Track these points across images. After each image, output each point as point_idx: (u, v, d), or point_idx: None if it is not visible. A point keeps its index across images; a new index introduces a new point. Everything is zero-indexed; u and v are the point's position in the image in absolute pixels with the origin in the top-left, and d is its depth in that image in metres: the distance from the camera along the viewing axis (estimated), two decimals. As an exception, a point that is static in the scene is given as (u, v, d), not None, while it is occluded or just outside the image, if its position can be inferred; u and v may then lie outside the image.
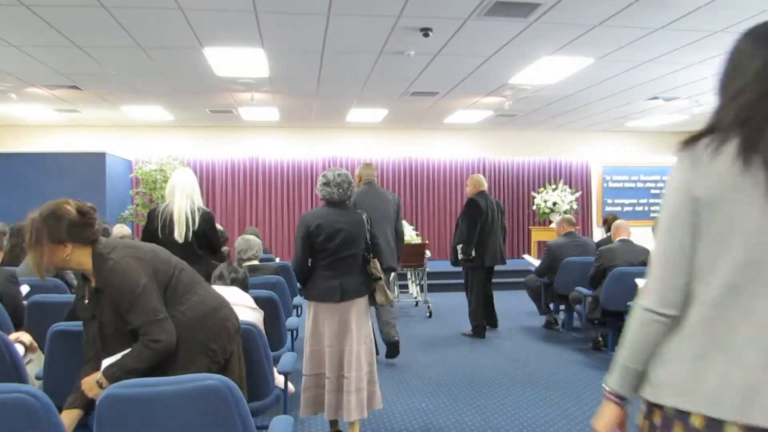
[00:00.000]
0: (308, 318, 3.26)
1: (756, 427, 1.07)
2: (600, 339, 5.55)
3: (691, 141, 1.20)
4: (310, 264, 3.26)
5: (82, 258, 2.14)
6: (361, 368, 3.17)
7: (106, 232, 5.53)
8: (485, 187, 6.19)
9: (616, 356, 1.35)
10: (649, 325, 1.24)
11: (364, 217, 3.29)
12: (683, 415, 1.16)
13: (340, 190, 3.19)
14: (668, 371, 1.21)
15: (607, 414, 1.40)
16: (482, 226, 5.92)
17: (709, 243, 1.16)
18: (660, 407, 1.22)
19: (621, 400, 1.37)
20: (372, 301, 3.32)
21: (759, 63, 1.16)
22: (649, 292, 1.25)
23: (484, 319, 6.09)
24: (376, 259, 3.28)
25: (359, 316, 3.21)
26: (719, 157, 1.14)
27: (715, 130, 1.18)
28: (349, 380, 3.12)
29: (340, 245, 3.16)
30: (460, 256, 6.02)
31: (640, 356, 1.27)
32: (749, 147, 1.11)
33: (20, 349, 2.92)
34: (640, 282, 4.69)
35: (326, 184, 3.19)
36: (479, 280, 6.04)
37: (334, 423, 3.31)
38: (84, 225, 2.14)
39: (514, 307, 7.48)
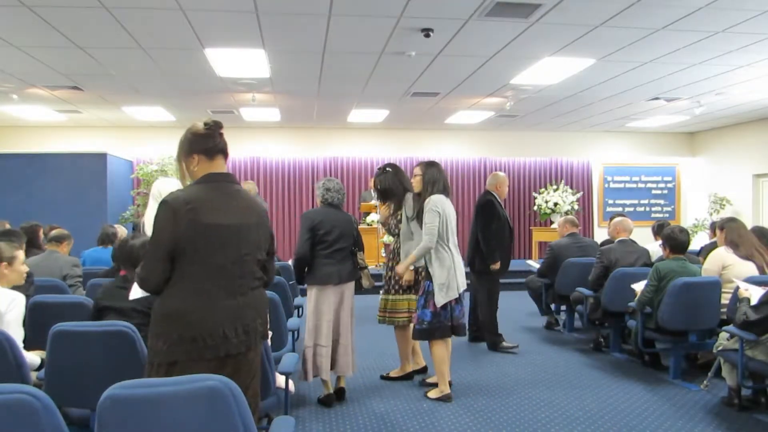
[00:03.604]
0: (310, 299, 4.00)
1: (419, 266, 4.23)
2: (601, 340, 5.55)
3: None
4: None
5: (199, 173, 2.26)
6: (350, 336, 4.08)
7: (113, 237, 5.54)
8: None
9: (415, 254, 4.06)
10: (424, 250, 4.02)
11: (352, 218, 4.21)
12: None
13: (339, 196, 4.05)
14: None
15: (406, 269, 4.18)
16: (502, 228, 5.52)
17: (444, 223, 4.04)
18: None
19: (414, 269, 4.25)
20: (359, 286, 4.19)
21: (436, 175, 4.17)
22: (431, 236, 3.95)
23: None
24: (361, 252, 4.18)
25: (349, 296, 4.10)
26: (442, 197, 4.12)
27: (420, 195, 4.17)
28: (344, 345, 4.02)
29: (336, 238, 3.95)
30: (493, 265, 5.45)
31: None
32: (444, 192, 4.15)
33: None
34: (636, 286, 4.69)
35: (328, 189, 4.04)
36: (497, 288, 5.60)
37: (325, 382, 4.05)
38: (203, 137, 2.25)
39: (515, 307, 7.47)
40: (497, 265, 5.36)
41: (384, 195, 4.42)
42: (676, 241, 4.47)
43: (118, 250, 3.18)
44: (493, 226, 5.37)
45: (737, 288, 3.90)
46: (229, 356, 2.13)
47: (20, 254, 3.31)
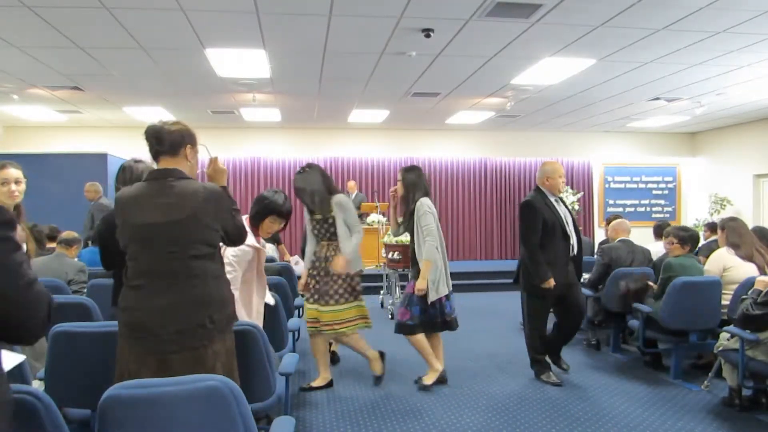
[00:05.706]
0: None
1: None
2: (601, 340, 5.54)
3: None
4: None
5: None
6: None
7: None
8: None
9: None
10: (434, 252, 4.13)
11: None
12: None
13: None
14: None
15: (425, 283, 4.16)
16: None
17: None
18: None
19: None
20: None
21: (415, 179, 4.32)
22: (433, 236, 4.13)
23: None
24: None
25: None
26: (429, 200, 4.29)
27: (405, 199, 4.37)
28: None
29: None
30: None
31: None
32: (426, 195, 4.35)
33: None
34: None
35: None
36: (538, 307, 4.66)
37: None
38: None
39: (514, 307, 7.44)
40: (550, 283, 4.23)
41: (297, 193, 4.20)
42: (693, 237, 4.55)
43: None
44: (534, 234, 4.28)
45: (738, 288, 3.90)
46: (171, 353, 2.12)
47: (2, 173, 3.04)
